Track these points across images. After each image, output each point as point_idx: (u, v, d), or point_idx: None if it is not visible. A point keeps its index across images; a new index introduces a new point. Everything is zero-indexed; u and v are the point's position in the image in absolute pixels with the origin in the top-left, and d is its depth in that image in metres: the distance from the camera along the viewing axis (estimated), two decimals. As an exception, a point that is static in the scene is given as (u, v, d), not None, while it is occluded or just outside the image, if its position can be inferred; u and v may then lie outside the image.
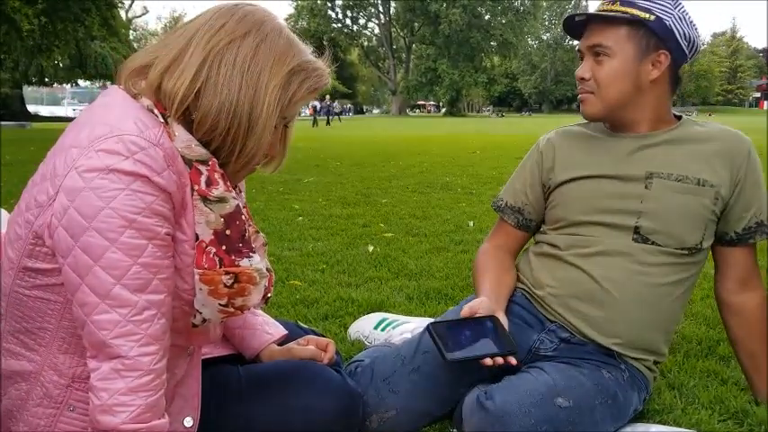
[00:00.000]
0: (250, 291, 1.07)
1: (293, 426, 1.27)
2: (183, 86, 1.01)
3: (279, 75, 1.05)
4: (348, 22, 59.60)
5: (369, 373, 1.52)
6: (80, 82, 38.81)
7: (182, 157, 1.02)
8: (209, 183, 1.04)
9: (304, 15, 56.02)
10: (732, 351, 1.69)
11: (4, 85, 32.06)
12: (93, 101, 1.12)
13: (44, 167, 1.02)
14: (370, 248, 3.45)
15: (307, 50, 1.11)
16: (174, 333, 1.04)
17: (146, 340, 0.96)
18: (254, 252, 1.08)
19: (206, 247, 1.04)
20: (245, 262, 1.06)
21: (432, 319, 1.82)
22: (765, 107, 61.00)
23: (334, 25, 57.76)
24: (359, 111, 70.55)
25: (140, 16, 63.18)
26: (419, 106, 76.91)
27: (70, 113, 45.32)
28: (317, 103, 30.52)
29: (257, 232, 1.16)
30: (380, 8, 58.29)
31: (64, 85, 42.86)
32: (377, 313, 2.23)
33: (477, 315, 1.40)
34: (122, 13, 41.65)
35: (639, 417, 1.56)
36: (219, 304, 1.06)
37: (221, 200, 1.04)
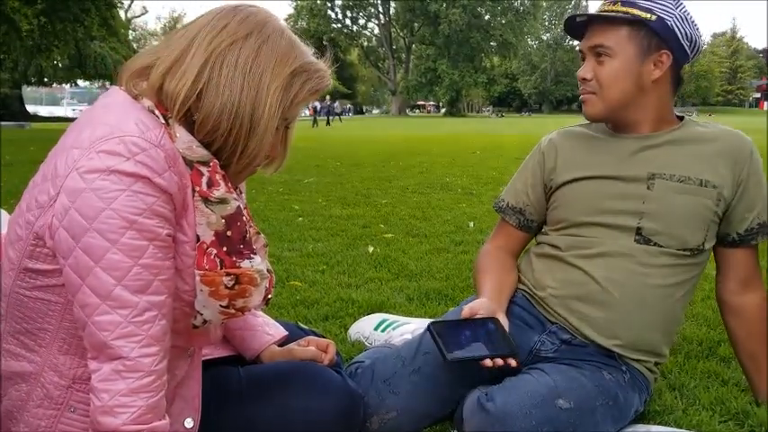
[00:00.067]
0: (251, 292, 1.07)
1: (294, 427, 1.27)
2: (184, 87, 1.01)
3: (281, 76, 1.05)
4: (348, 22, 59.69)
5: (369, 374, 1.52)
6: (79, 82, 38.85)
7: (183, 158, 1.02)
8: (211, 184, 1.03)
9: (303, 15, 56.02)
10: (733, 352, 1.69)
11: (4, 86, 32.04)
12: (92, 101, 1.12)
13: (45, 168, 1.02)
14: (371, 249, 3.45)
15: (308, 52, 1.11)
16: (174, 334, 1.03)
17: (147, 341, 0.95)
18: (254, 253, 1.08)
19: (207, 248, 1.03)
20: (245, 263, 1.06)
21: (432, 320, 1.81)
22: (765, 107, 61.01)
23: (334, 25, 57.76)
24: (359, 111, 70.53)
25: (140, 16, 63.26)
26: (419, 106, 76.88)
27: (69, 114, 45.28)
28: (317, 104, 30.54)
29: (258, 233, 1.16)
30: (380, 8, 58.29)
31: (63, 85, 42.92)
32: (377, 314, 2.23)
33: (478, 316, 1.40)
34: (122, 14, 41.65)
35: (640, 418, 1.56)
36: (220, 305, 1.06)
37: (222, 201, 1.04)
